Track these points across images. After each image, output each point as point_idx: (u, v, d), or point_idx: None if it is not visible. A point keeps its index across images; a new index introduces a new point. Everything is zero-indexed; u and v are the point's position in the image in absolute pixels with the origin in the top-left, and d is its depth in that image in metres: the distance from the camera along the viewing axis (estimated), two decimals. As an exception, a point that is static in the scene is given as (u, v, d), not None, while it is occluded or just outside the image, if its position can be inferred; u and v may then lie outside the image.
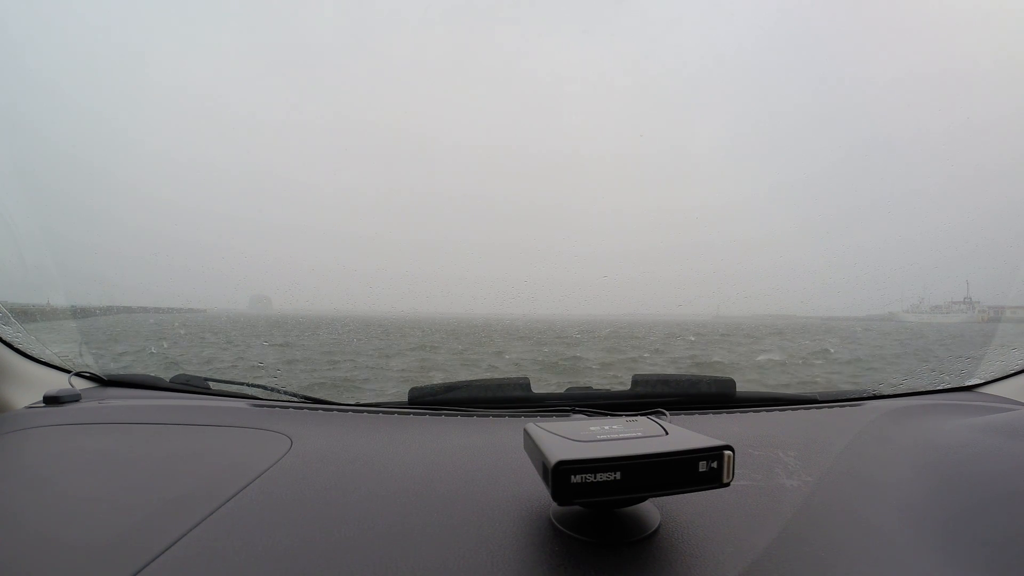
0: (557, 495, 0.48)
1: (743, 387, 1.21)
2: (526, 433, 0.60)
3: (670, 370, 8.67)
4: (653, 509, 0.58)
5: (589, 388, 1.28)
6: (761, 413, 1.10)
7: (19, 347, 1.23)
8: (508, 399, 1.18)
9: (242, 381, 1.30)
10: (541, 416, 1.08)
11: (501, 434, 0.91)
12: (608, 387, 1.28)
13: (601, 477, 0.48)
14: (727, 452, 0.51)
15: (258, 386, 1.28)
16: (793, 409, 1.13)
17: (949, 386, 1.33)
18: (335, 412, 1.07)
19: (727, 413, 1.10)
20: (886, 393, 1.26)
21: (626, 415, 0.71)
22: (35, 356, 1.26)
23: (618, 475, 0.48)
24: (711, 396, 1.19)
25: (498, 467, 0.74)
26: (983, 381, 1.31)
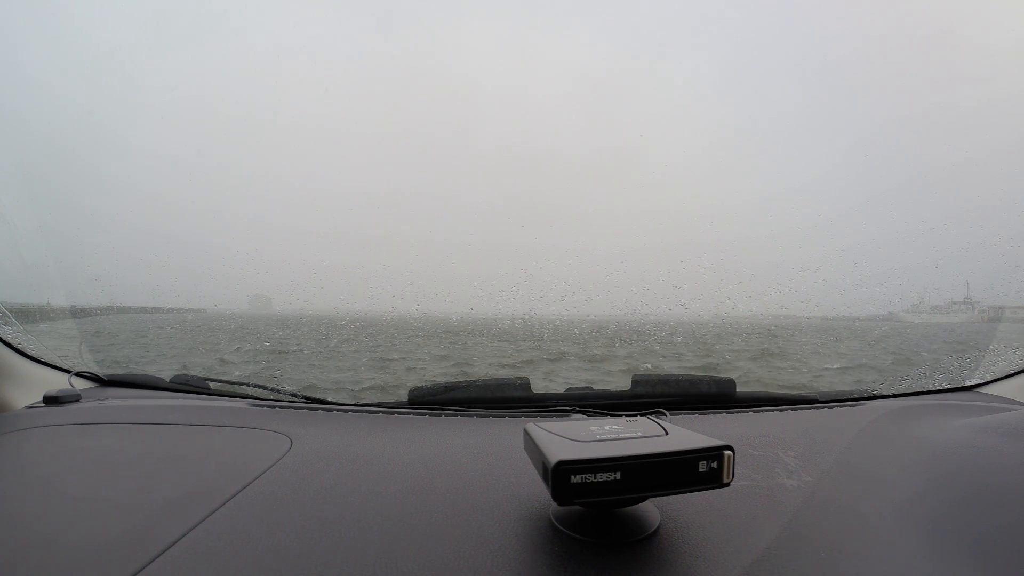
0: (557, 495, 0.48)
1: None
2: (526, 433, 0.60)
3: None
4: (653, 509, 0.58)
5: (589, 388, 1.27)
6: (761, 413, 1.10)
7: (19, 347, 1.23)
8: (508, 399, 1.18)
9: (242, 381, 1.30)
10: (541, 416, 1.08)
11: (501, 434, 0.91)
12: (608, 387, 1.28)
13: (601, 477, 0.48)
14: (727, 452, 0.51)
15: (258, 386, 1.28)
16: (793, 409, 1.13)
17: (949, 386, 1.33)
18: (335, 412, 1.07)
19: (727, 413, 1.10)
20: (886, 393, 1.26)
21: (626, 415, 0.71)
22: (35, 356, 1.26)
23: (618, 475, 0.48)
24: (711, 396, 1.19)
25: (498, 467, 0.74)
26: (983, 381, 1.31)
